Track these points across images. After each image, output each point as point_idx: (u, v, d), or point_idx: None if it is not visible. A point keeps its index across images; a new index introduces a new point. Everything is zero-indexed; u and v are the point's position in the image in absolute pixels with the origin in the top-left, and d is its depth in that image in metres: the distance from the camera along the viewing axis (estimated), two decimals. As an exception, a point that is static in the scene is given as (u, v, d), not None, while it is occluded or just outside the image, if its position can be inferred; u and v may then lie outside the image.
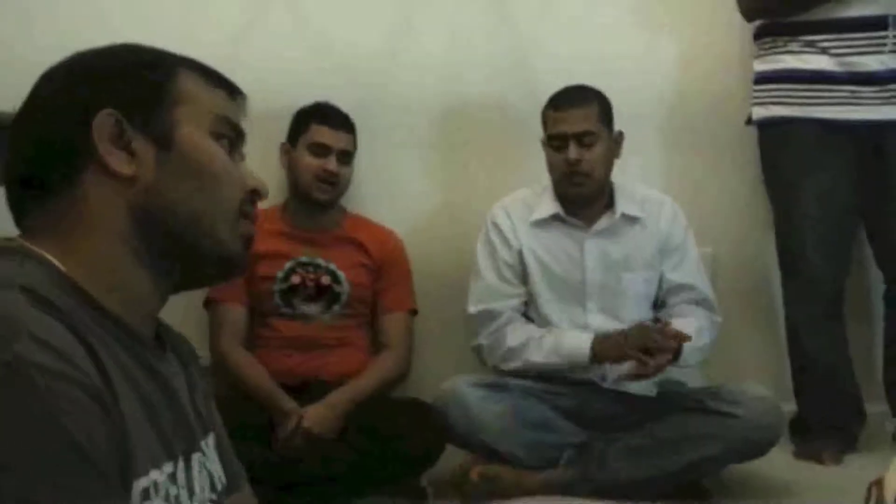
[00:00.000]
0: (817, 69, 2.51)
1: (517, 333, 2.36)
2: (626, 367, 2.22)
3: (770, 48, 2.58)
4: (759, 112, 2.62)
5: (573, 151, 2.34)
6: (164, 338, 0.94)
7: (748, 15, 2.63)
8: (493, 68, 2.78)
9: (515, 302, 2.42)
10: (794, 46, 2.53)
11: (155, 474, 0.82)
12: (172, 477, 0.85)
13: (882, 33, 2.47)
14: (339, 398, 2.30)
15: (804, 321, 2.61)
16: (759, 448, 2.21)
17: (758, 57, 2.62)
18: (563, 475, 2.26)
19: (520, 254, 2.42)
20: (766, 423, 2.20)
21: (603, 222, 2.42)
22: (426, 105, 2.76)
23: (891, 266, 2.64)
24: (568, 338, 2.32)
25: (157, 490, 0.81)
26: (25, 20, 2.56)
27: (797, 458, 2.56)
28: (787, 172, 2.60)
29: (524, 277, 2.42)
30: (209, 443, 0.97)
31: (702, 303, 2.44)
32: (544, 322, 2.41)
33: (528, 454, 2.27)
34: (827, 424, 2.58)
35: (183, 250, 0.89)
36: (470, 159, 2.80)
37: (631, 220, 2.43)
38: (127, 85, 0.88)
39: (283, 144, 2.55)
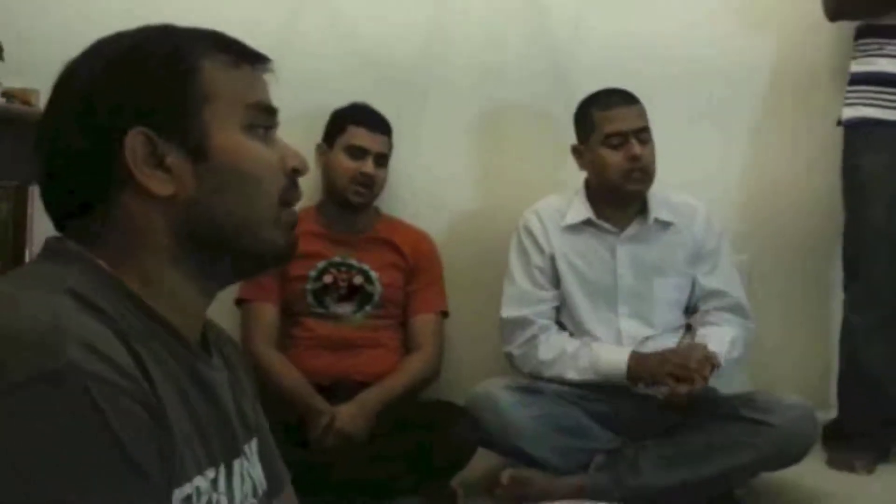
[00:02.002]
0: None
1: (550, 345, 2.36)
2: (663, 390, 2.22)
3: (866, 50, 2.58)
4: (847, 113, 2.60)
5: (636, 147, 2.33)
6: (209, 340, 0.93)
7: (830, 15, 2.61)
8: (529, 70, 2.77)
9: (547, 307, 2.41)
10: (890, 49, 2.53)
11: (198, 480, 0.82)
12: (214, 483, 0.85)
13: None
14: (369, 397, 2.31)
15: (861, 328, 2.58)
16: (792, 457, 2.19)
17: (854, 58, 2.61)
18: (593, 480, 2.24)
19: (552, 258, 2.41)
20: (800, 432, 2.18)
21: (635, 227, 2.42)
22: (462, 107, 2.76)
23: None
24: (605, 355, 2.31)
25: (199, 496, 0.82)
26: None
27: (829, 467, 2.53)
28: (863, 175, 2.57)
29: (557, 282, 2.42)
30: (252, 447, 0.96)
31: (735, 309, 2.42)
32: (577, 325, 2.40)
33: (559, 459, 2.26)
34: (862, 433, 2.55)
35: (229, 255, 0.89)
36: (505, 161, 2.79)
37: (664, 225, 2.42)
38: (151, 93, 0.85)
39: (318, 145, 2.55)
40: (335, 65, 2.70)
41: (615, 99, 2.37)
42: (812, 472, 2.33)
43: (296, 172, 0.92)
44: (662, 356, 2.25)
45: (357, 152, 2.48)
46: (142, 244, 0.85)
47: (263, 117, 0.91)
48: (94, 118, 0.84)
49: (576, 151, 2.44)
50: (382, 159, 2.51)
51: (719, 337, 2.30)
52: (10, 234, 2.27)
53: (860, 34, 2.60)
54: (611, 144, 2.35)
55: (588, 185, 2.46)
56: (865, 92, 2.57)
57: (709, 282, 2.43)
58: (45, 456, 0.67)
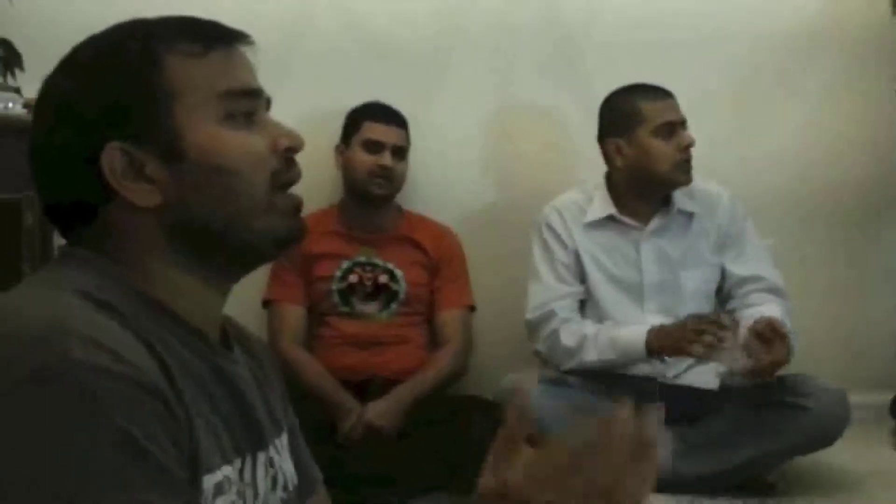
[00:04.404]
0: None
1: (572, 332, 2.34)
2: (742, 363, 2.13)
3: None
4: None
5: (688, 136, 2.33)
6: (231, 336, 0.93)
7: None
8: (544, 65, 2.77)
9: (571, 301, 2.40)
10: None
11: (227, 469, 0.82)
12: (241, 473, 0.85)
13: None
14: (400, 393, 2.32)
15: None
16: (825, 440, 2.18)
17: None
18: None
19: (576, 254, 2.40)
20: (834, 415, 2.17)
21: (658, 221, 2.40)
22: (476, 97, 2.76)
23: None
24: (624, 333, 2.30)
25: (230, 485, 0.82)
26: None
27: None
28: None
29: (581, 277, 2.41)
30: (282, 442, 0.95)
31: (773, 290, 2.38)
32: (602, 321, 2.39)
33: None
34: None
35: (226, 252, 0.87)
36: (525, 154, 2.79)
37: (687, 216, 2.40)
38: (120, 102, 0.83)
39: (337, 146, 2.57)
40: (349, 59, 2.70)
41: (657, 91, 2.36)
42: (844, 453, 2.29)
43: (290, 151, 0.88)
44: (681, 322, 2.22)
45: (373, 146, 2.49)
46: (142, 250, 0.84)
47: (243, 102, 0.86)
48: (69, 136, 0.83)
49: (612, 146, 2.38)
50: (400, 152, 2.52)
51: (770, 310, 2.24)
52: (37, 243, 2.29)
53: None
54: (662, 134, 2.32)
55: (610, 179, 2.43)
56: None
57: (740, 269, 2.40)
58: (51, 453, 0.67)
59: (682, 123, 2.34)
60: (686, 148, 2.31)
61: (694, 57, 2.75)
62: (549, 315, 2.37)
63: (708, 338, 2.12)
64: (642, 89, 2.37)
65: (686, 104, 2.37)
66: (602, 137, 2.41)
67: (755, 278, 2.39)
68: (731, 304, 2.40)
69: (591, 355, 2.31)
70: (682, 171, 2.33)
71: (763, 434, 2.17)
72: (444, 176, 2.75)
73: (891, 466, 2.35)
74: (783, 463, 2.25)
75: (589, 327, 2.35)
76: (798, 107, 2.82)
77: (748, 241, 2.43)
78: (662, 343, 2.23)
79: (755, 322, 2.13)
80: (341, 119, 2.58)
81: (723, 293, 2.43)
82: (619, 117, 2.37)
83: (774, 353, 2.10)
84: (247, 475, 0.86)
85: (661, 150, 2.32)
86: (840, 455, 2.27)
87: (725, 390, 2.34)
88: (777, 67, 2.81)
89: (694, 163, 2.36)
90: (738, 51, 2.78)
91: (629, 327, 2.31)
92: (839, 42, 2.81)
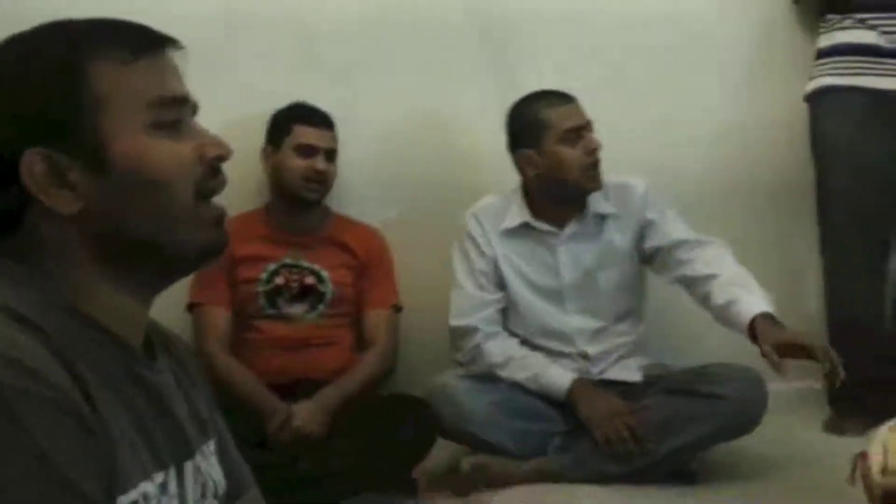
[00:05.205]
0: (865, 43, 2.62)
1: (497, 352, 2.37)
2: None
3: (827, 26, 2.71)
4: (810, 85, 2.72)
5: (594, 140, 2.34)
6: (154, 344, 0.92)
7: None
8: (473, 63, 2.80)
9: (493, 311, 2.41)
10: (846, 23, 2.65)
11: (145, 486, 0.81)
12: (163, 487, 0.84)
13: None
14: (327, 395, 2.32)
15: (840, 290, 2.68)
16: (744, 427, 2.24)
17: (819, 34, 2.75)
18: (552, 463, 2.28)
19: (494, 261, 2.41)
20: (751, 401, 2.23)
21: (574, 226, 2.41)
22: (408, 102, 2.76)
23: None
24: (547, 375, 2.33)
25: (146, 501, 0.81)
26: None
27: (825, 431, 2.61)
28: (830, 140, 2.67)
29: (501, 284, 2.42)
30: (209, 448, 0.95)
31: (712, 244, 2.36)
32: (526, 326, 2.42)
33: (517, 444, 2.29)
34: (855, 396, 2.54)
35: (150, 262, 0.86)
36: (454, 155, 2.80)
37: (602, 217, 2.41)
38: (42, 109, 0.81)
39: (263, 148, 2.56)
40: (273, 60, 2.68)
41: (561, 96, 2.37)
42: (764, 439, 2.35)
43: (217, 160, 0.87)
44: (609, 401, 2.27)
45: (306, 150, 2.48)
46: (64, 259, 0.83)
47: (171, 110, 0.85)
48: None
49: (523, 157, 2.38)
50: (331, 154, 2.52)
51: (757, 296, 2.18)
52: None
53: (822, 11, 2.74)
54: (568, 141, 2.33)
55: (525, 187, 2.44)
56: (826, 64, 2.69)
57: (668, 236, 2.37)
58: None
59: (587, 126, 2.35)
60: (592, 151, 2.32)
61: (615, 45, 2.83)
62: (472, 330, 2.38)
63: (619, 447, 2.18)
64: (544, 97, 2.38)
65: (609, 94, 2.43)
66: (511, 149, 2.41)
67: (685, 241, 2.36)
68: (679, 272, 2.35)
69: (515, 374, 2.34)
70: (590, 177, 2.33)
71: (685, 424, 2.22)
72: (372, 177, 2.74)
73: (823, 448, 2.42)
74: (704, 451, 2.30)
75: (515, 349, 2.38)
76: (715, 91, 2.92)
77: (669, 217, 2.41)
78: (582, 403, 2.27)
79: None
80: (265, 120, 2.56)
81: (661, 265, 2.41)
82: (525, 128, 2.38)
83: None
84: (171, 487, 0.85)
85: (570, 156, 2.32)
86: (770, 440, 2.33)
87: (650, 383, 2.40)
88: (694, 52, 2.89)
89: (618, 152, 2.40)
90: (656, 38, 2.85)
91: (553, 371, 2.34)
92: (752, 26, 2.93)
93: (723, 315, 2.21)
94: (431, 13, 2.77)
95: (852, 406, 2.59)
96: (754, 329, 2.09)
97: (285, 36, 2.71)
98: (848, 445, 2.02)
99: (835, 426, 2.61)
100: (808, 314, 2.81)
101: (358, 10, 2.74)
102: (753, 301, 2.14)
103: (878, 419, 1.99)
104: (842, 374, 1.98)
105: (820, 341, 2.07)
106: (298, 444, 2.23)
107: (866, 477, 1.84)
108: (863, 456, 1.89)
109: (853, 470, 1.91)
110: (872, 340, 2.65)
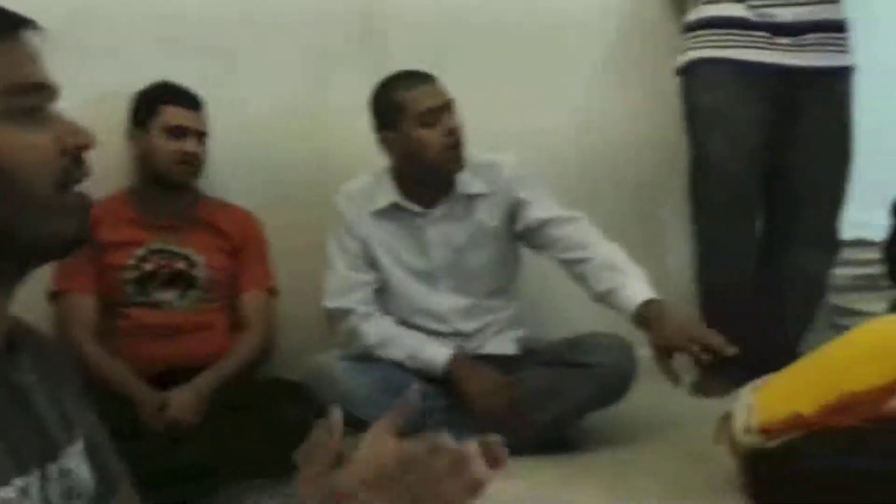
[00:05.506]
0: (735, 16, 2.70)
1: (373, 332, 2.38)
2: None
3: (697, 1, 2.78)
4: (682, 59, 2.80)
5: (454, 120, 2.33)
6: (17, 341, 0.87)
7: None
8: (348, 45, 2.80)
9: (367, 292, 2.41)
10: None
11: (3, 492, 0.77)
12: (24, 491, 0.80)
13: None
14: (201, 382, 2.27)
15: (712, 261, 2.80)
16: (616, 393, 2.31)
17: (686, 10, 2.83)
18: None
19: (366, 242, 2.41)
20: (619, 370, 2.30)
21: (443, 206, 2.41)
22: (280, 82, 2.73)
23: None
24: (425, 351, 2.35)
25: None
26: None
27: (691, 392, 2.70)
28: (704, 110, 2.76)
29: (374, 264, 2.42)
30: (76, 449, 0.91)
31: (580, 220, 2.38)
32: (400, 306, 2.43)
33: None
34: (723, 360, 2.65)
35: (9, 252, 0.82)
36: (329, 138, 2.77)
37: (471, 197, 2.41)
38: None
39: (129, 130, 2.47)
40: (135, 39, 2.59)
41: (417, 77, 2.35)
42: (637, 405, 2.41)
43: (79, 149, 0.84)
44: (495, 382, 2.31)
45: (176, 131, 2.41)
46: None
47: (27, 98, 0.81)
48: None
49: (384, 143, 2.38)
50: (202, 136, 2.46)
51: (636, 279, 2.22)
52: None
53: None
54: (426, 122, 2.31)
55: (394, 168, 2.43)
56: (697, 37, 2.77)
57: (538, 214, 2.37)
58: None
59: (447, 106, 2.34)
60: (451, 132, 2.31)
61: (488, 35, 2.87)
62: (347, 311, 2.38)
63: (498, 420, 2.17)
64: (403, 78, 2.37)
65: (482, 82, 2.47)
66: (376, 131, 2.41)
67: (554, 218, 2.38)
68: (552, 251, 2.37)
69: (393, 353, 2.36)
70: (451, 157, 2.33)
71: (557, 394, 2.28)
72: (245, 159, 2.69)
73: (691, 410, 2.51)
74: (580, 419, 2.36)
75: (391, 328, 2.39)
76: (582, 79, 3.00)
77: (540, 197, 2.41)
78: (460, 378, 2.31)
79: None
80: (126, 100, 2.47)
81: (533, 243, 2.43)
82: (385, 110, 2.37)
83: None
84: (33, 492, 0.82)
85: (428, 138, 2.31)
86: (642, 405, 2.41)
87: (526, 355, 2.45)
88: (561, 43, 2.95)
89: (485, 134, 2.41)
90: (530, 28, 2.90)
91: (430, 347, 2.36)
92: (619, 16, 3.02)
93: (605, 300, 2.26)
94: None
95: (718, 368, 2.70)
96: (641, 317, 2.14)
97: (152, 14, 2.62)
98: (715, 407, 2.12)
99: (701, 388, 2.72)
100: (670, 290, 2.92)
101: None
102: (635, 288, 2.19)
103: (742, 380, 2.11)
104: (730, 352, 2.02)
105: (707, 331, 2.08)
106: (174, 433, 2.18)
107: (731, 437, 1.94)
108: (727, 417, 1.99)
109: (719, 430, 2.01)
110: (741, 303, 2.78)
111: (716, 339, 2.02)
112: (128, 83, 2.48)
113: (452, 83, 2.40)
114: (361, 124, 2.44)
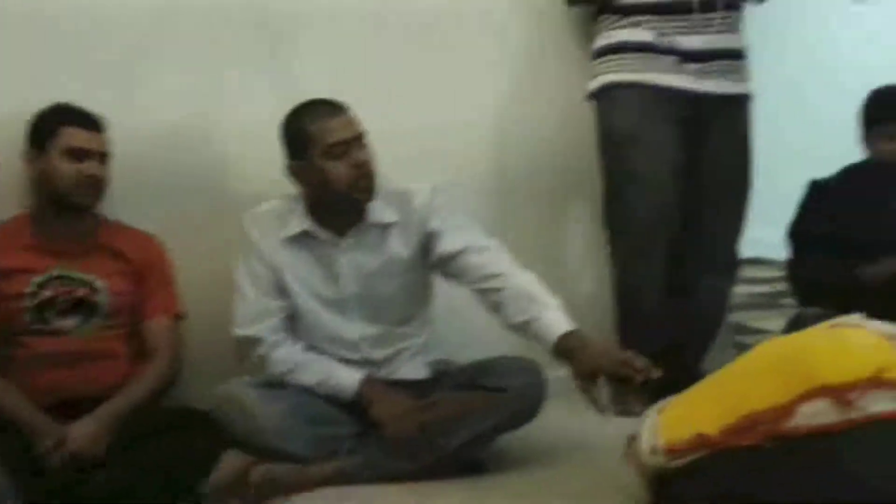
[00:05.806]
0: (643, 41, 2.78)
1: (281, 360, 2.35)
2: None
3: (605, 25, 2.86)
4: (594, 84, 2.87)
5: (363, 153, 2.32)
6: None
7: (568, 2, 2.96)
8: (252, 58, 2.77)
9: (277, 320, 2.38)
10: (623, 22, 2.81)
11: None
12: None
13: (710, 15, 2.77)
14: (105, 413, 2.21)
15: (631, 276, 2.85)
16: (527, 415, 2.33)
17: (596, 35, 2.89)
18: (345, 466, 2.27)
19: (276, 269, 2.38)
20: (531, 391, 2.32)
21: (354, 235, 2.39)
22: (183, 101, 2.68)
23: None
24: (334, 377, 2.34)
25: None
26: None
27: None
28: (621, 131, 2.82)
29: (284, 291, 2.39)
30: None
31: (489, 249, 2.37)
32: (311, 335, 2.40)
33: (311, 449, 2.27)
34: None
35: None
36: (236, 158, 2.74)
37: (383, 227, 2.41)
38: None
39: (25, 152, 2.39)
40: (30, 56, 2.51)
41: (327, 109, 2.33)
42: (548, 425, 2.44)
43: None
44: (406, 406, 2.30)
45: (77, 154, 2.35)
46: None
47: None
48: None
49: (293, 172, 2.36)
50: (105, 158, 2.40)
51: (552, 309, 2.24)
52: None
53: (599, 12, 2.90)
54: (334, 155, 2.30)
55: (305, 196, 2.40)
56: (608, 61, 2.84)
57: (451, 245, 2.36)
58: None
59: (357, 139, 2.32)
60: (359, 165, 2.30)
61: (397, 42, 2.90)
62: (257, 340, 2.35)
63: (409, 445, 2.21)
64: (312, 109, 2.35)
65: (390, 92, 2.52)
66: (285, 158, 2.38)
67: (465, 249, 2.36)
68: (465, 281, 2.37)
69: (303, 379, 2.33)
70: (361, 189, 2.32)
71: (469, 418, 2.28)
72: (144, 181, 2.62)
73: (602, 430, 2.48)
74: (493, 441, 2.37)
75: (299, 355, 2.37)
76: (493, 78, 3.05)
77: (453, 227, 2.40)
78: (371, 403, 2.30)
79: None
80: (23, 123, 2.39)
81: (446, 274, 2.43)
82: (293, 140, 2.35)
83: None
84: None
85: (335, 171, 2.30)
86: (553, 426, 2.45)
87: (437, 379, 2.45)
88: (475, 39, 3.01)
89: (397, 150, 2.44)
90: (439, 34, 2.94)
91: (341, 373, 2.35)
92: (533, 16, 3.08)
93: (521, 331, 2.27)
94: (205, 6, 2.70)
95: (629, 387, 2.76)
96: (561, 348, 2.17)
97: (43, 31, 2.54)
98: (623, 428, 2.16)
99: (626, 409, 2.75)
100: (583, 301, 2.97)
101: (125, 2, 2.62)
102: (553, 318, 2.22)
103: (653, 399, 2.15)
104: (654, 374, 2.08)
105: (632, 355, 2.14)
106: (76, 465, 2.11)
107: (637, 457, 1.98)
108: (634, 437, 2.03)
109: (626, 451, 2.04)
110: (659, 321, 2.84)
111: (642, 362, 2.08)
112: (24, 105, 2.40)
113: (355, 92, 2.41)
114: (259, 145, 2.42)
